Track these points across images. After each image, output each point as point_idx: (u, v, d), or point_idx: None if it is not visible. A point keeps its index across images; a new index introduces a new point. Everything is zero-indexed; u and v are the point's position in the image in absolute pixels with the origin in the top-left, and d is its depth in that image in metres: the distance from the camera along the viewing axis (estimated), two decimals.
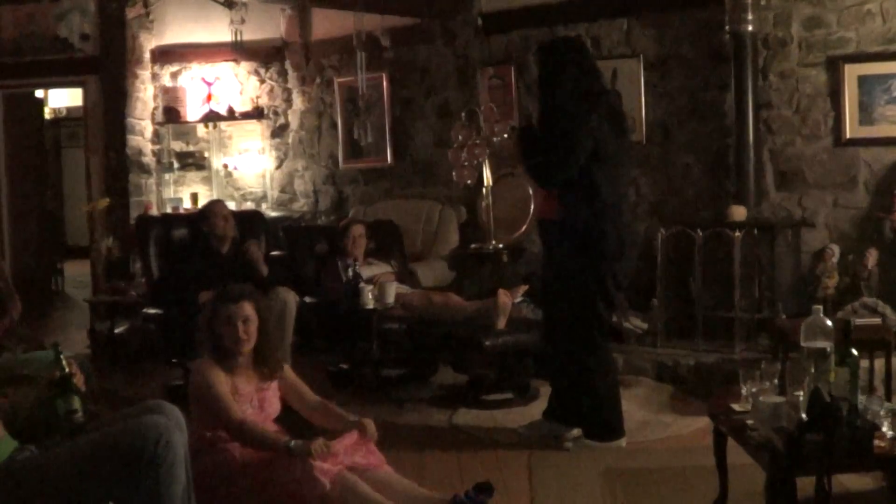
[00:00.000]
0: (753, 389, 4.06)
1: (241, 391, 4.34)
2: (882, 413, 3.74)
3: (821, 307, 4.03)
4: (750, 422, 3.92)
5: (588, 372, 5.57)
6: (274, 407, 4.49)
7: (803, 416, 3.65)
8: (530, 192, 8.44)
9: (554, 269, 5.68)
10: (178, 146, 10.54)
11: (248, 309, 4.39)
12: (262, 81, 10.67)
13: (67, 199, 15.52)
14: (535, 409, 6.03)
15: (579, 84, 5.47)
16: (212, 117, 10.42)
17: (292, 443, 4.04)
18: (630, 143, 6.04)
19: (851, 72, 7.16)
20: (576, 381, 5.65)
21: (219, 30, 9.79)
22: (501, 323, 6.57)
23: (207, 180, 10.63)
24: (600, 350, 5.59)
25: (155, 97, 10.34)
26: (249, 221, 7.62)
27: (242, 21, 9.30)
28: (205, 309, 4.50)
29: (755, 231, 7.11)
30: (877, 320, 6.16)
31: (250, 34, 9.73)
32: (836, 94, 7.24)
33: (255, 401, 4.39)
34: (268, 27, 10.43)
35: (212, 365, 4.31)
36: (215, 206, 7.30)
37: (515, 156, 6.01)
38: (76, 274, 12.97)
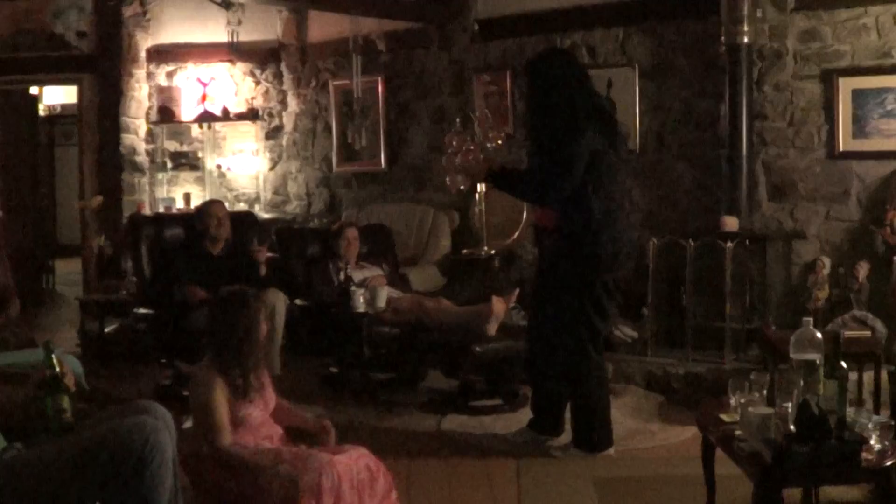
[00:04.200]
0: (742, 400, 4.07)
1: (258, 389, 4.29)
2: (870, 426, 3.75)
3: (811, 319, 4.04)
4: (738, 432, 3.93)
5: (579, 381, 5.57)
6: (274, 400, 4.45)
7: (792, 427, 3.65)
8: None
9: (547, 277, 5.68)
10: (172, 146, 10.53)
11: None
12: (258, 83, 10.67)
13: (60, 197, 15.49)
14: (525, 416, 6.02)
15: (571, 98, 5.46)
16: (206, 118, 10.41)
17: (280, 468, 3.95)
18: (626, 150, 6.02)
19: (846, 85, 7.18)
20: (566, 390, 5.66)
21: (215, 30, 9.80)
22: (492, 329, 6.57)
23: (201, 181, 10.61)
24: (591, 360, 5.58)
25: (150, 96, 10.33)
26: (242, 223, 7.61)
27: (239, 22, 9.31)
28: (231, 311, 4.28)
29: (747, 242, 7.12)
30: (866, 333, 6.18)
31: (246, 35, 9.74)
32: (830, 107, 7.25)
33: (261, 398, 4.33)
34: (264, 29, 10.43)
35: (214, 374, 4.17)
36: (212, 206, 7.28)
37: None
38: (67, 272, 12.95)
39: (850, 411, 3.77)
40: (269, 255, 7.26)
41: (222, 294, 4.40)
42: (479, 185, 7.84)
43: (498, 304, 6.58)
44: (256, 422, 4.24)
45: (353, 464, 4.06)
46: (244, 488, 4.00)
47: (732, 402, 4.17)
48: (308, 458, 4.04)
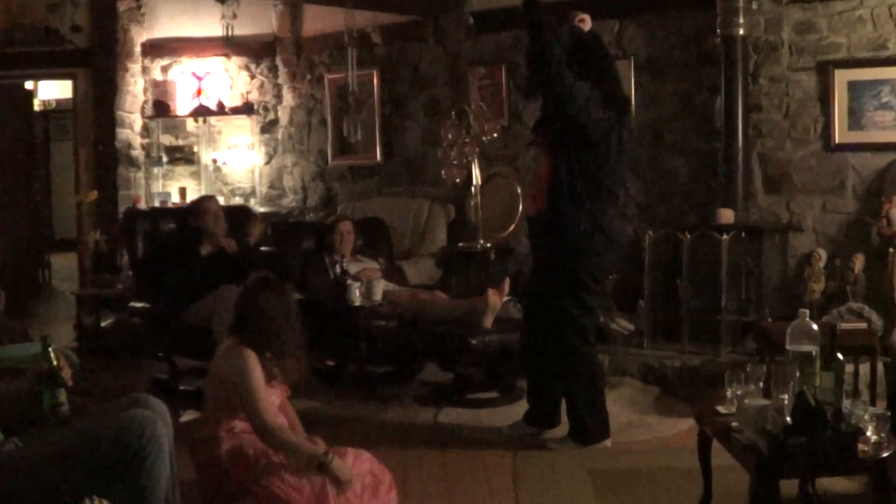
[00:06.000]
0: (739, 392, 4.07)
1: (278, 376, 4.26)
2: (866, 417, 3.75)
3: (807, 311, 4.04)
4: (735, 424, 3.93)
5: (570, 374, 5.57)
6: (286, 392, 4.42)
7: (788, 419, 3.66)
8: (519, 190, 8.46)
9: (540, 269, 5.68)
10: (167, 140, 10.52)
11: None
12: (253, 77, 10.65)
13: (55, 192, 15.48)
14: (521, 409, 6.02)
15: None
16: (201, 112, 10.38)
17: (329, 457, 3.92)
18: (630, 134, 6.01)
19: (841, 77, 7.18)
20: (560, 382, 5.66)
21: (210, 24, 9.77)
22: (488, 322, 6.57)
23: (196, 175, 10.60)
24: (578, 352, 5.57)
25: (145, 91, 10.30)
26: (237, 217, 7.62)
27: (234, 16, 9.27)
28: (265, 299, 4.24)
29: (743, 234, 7.13)
30: (862, 325, 6.19)
31: (241, 29, 9.70)
32: (825, 99, 7.26)
33: (280, 386, 4.30)
34: (259, 22, 10.41)
35: (250, 352, 4.11)
36: (207, 201, 7.29)
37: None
38: (63, 266, 12.94)
39: (846, 403, 3.77)
40: (262, 249, 7.29)
41: (259, 278, 4.39)
42: (474, 178, 7.85)
43: (493, 297, 6.58)
44: (275, 407, 4.22)
45: (357, 469, 4.05)
46: (247, 481, 3.98)
47: (729, 393, 4.18)
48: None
